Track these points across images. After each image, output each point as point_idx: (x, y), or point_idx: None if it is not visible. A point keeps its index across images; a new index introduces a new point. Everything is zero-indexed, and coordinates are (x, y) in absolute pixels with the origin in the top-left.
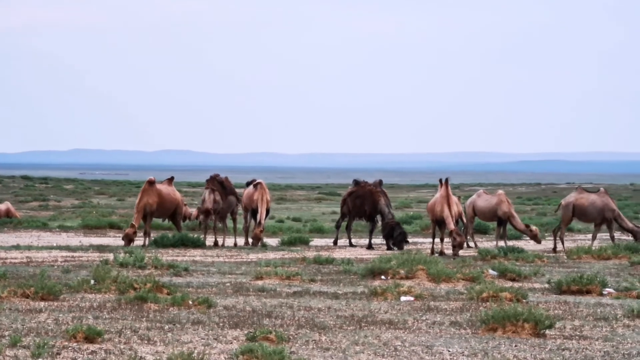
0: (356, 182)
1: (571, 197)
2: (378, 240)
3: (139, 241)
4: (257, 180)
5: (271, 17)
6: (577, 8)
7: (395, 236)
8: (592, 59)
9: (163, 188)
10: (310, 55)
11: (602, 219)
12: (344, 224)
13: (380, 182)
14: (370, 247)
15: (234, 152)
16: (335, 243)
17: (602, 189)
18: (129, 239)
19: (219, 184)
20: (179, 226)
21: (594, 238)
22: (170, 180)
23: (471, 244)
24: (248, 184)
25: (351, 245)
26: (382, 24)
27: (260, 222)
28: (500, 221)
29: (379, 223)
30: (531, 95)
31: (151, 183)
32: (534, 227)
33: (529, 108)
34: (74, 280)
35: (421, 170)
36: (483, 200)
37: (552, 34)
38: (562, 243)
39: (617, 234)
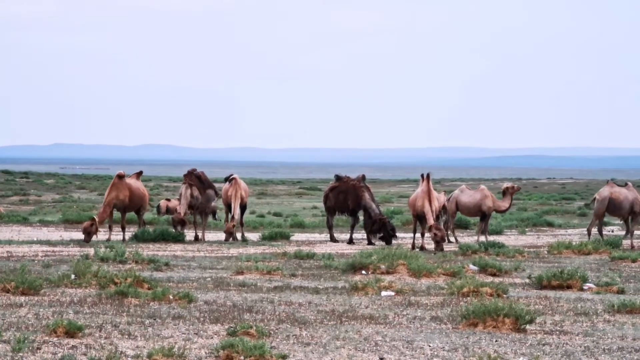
0: (338, 177)
1: (605, 191)
2: (359, 235)
3: (107, 235)
4: (233, 176)
5: (254, 10)
6: (557, 2)
7: (388, 231)
8: (572, 53)
9: (132, 182)
10: (291, 50)
11: (630, 213)
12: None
13: (363, 177)
14: (351, 241)
15: (215, 147)
16: (333, 240)
17: (629, 183)
18: (87, 233)
19: (196, 179)
20: (142, 221)
21: (631, 233)
22: (139, 175)
23: (452, 239)
24: (226, 180)
25: (333, 240)
26: (363, 19)
27: (233, 217)
28: (483, 216)
29: (361, 218)
30: (512, 90)
31: (121, 177)
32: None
33: (510, 103)
34: (54, 274)
35: (402, 165)
36: (467, 195)
37: (531, 29)
38: (602, 236)
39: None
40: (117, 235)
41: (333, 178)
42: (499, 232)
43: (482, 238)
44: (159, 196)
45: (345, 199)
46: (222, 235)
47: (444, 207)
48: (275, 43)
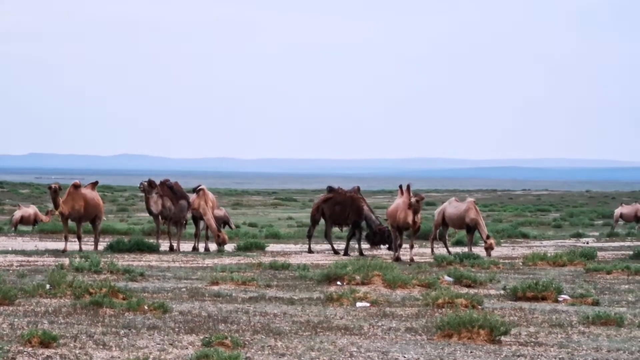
0: (331, 189)
1: None
2: (321, 246)
3: (74, 245)
4: (200, 187)
5: (227, 21)
6: (530, 14)
7: (385, 239)
8: (545, 65)
9: (87, 192)
10: (265, 62)
11: None
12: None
13: (358, 188)
14: (347, 253)
15: (190, 157)
16: (310, 251)
17: None
18: None
19: (168, 189)
20: (98, 232)
21: None
22: (94, 185)
23: (427, 250)
24: (193, 190)
25: (335, 252)
26: (336, 28)
27: (218, 227)
28: (469, 228)
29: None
30: (486, 101)
31: (76, 187)
32: (491, 240)
33: (484, 114)
34: (29, 284)
35: (376, 176)
36: (452, 207)
37: (503, 40)
38: None
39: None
40: (87, 245)
41: (326, 190)
42: (475, 244)
43: (451, 249)
44: (134, 206)
45: (343, 210)
46: (198, 246)
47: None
48: (247, 54)
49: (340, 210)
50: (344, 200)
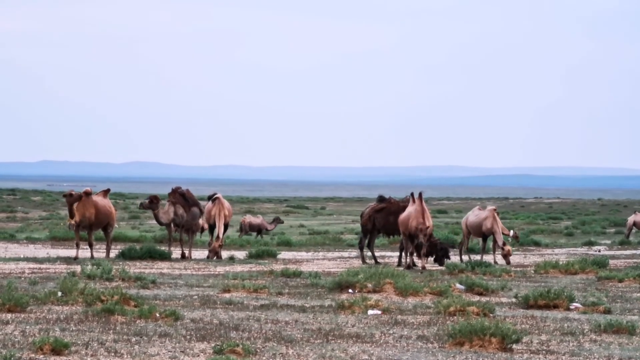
0: (382, 198)
1: None
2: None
3: (86, 253)
4: (216, 195)
5: (235, 30)
6: (542, 24)
7: (437, 251)
8: (558, 73)
9: (99, 200)
10: (274, 69)
11: None
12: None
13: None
14: (403, 264)
15: (201, 165)
16: (364, 262)
17: None
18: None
19: (180, 197)
20: (109, 240)
21: None
22: (106, 192)
23: (465, 257)
24: (209, 198)
25: (377, 262)
26: (349, 36)
27: (218, 237)
28: (485, 236)
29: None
30: (499, 110)
31: (88, 194)
32: (507, 247)
33: (497, 123)
34: (41, 292)
35: (389, 184)
36: (474, 215)
37: (517, 49)
38: None
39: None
40: (99, 252)
41: (377, 199)
42: (485, 252)
43: (498, 257)
44: (145, 214)
45: (397, 220)
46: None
47: None
48: (256, 62)
49: (395, 220)
50: (398, 210)
